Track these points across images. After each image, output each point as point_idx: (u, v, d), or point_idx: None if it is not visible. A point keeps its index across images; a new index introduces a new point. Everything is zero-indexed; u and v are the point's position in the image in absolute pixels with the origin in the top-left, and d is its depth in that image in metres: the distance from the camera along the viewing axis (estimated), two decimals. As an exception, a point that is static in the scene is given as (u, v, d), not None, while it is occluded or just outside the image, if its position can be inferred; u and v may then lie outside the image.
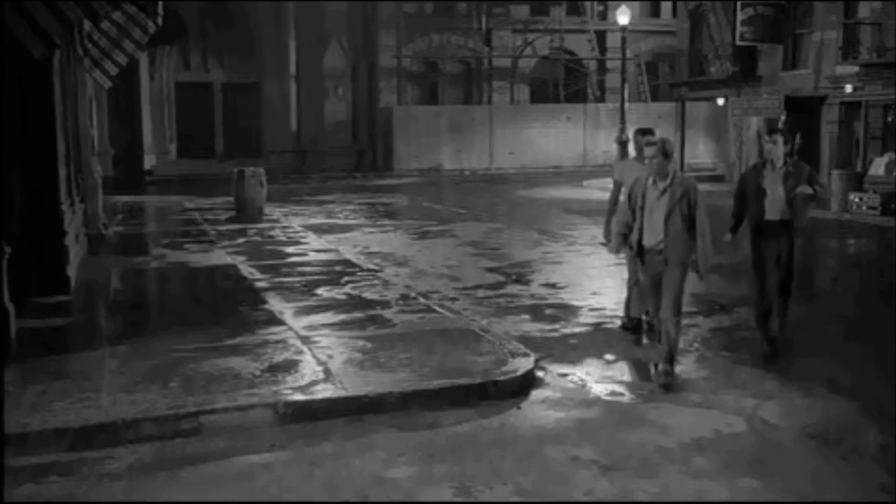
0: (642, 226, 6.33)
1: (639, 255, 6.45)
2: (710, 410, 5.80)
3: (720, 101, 26.43)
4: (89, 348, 7.16)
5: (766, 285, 7.06)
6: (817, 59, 21.78)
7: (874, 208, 17.32)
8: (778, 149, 6.87)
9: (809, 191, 6.85)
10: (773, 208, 6.88)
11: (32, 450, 5.01)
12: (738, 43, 23.65)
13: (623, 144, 25.63)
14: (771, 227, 6.93)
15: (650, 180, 6.29)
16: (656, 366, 6.51)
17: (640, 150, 7.26)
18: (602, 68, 33.77)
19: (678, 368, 6.78)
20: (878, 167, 19.17)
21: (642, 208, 6.31)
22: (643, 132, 7.35)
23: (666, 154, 6.23)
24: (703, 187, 21.71)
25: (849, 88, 20.25)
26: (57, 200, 9.26)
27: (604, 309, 8.79)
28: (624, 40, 26.08)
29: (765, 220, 6.92)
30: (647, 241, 6.31)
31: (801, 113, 21.27)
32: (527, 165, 30.02)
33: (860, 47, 20.22)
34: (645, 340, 7.49)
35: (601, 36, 33.20)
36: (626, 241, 6.53)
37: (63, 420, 5.36)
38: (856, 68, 20.08)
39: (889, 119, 19.99)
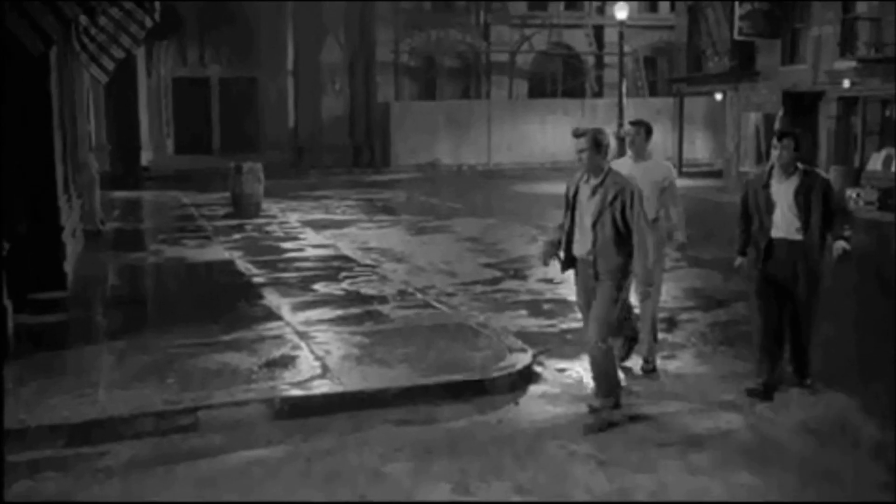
0: (573, 231, 5.50)
1: (570, 265, 5.58)
2: (707, 406, 5.80)
3: (718, 97, 26.42)
4: (86, 344, 7.15)
5: (768, 321, 5.92)
6: (815, 55, 21.77)
7: (872, 203, 17.34)
8: (788, 154, 5.75)
9: (845, 247, 5.79)
10: (783, 225, 5.80)
11: (29, 445, 5.01)
12: (737, 38, 23.62)
13: (621, 140, 25.62)
14: (780, 248, 5.84)
15: (582, 178, 5.45)
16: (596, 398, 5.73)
17: (630, 144, 6.57)
18: (600, 63, 33.73)
19: (675, 364, 6.78)
20: (876, 162, 19.18)
21: (573, 209, 5.48)
22: (634, 124, 6.68)
23: (598, 147, 5.30)
24: (700, 183, 21.62)
25: (847, 84, 20.25)
26: (54, 196, 9.24)
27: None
28: (622, 35, 26.04)
29: (772, 239, 5.87)
30: (578, 250, 5.47)
31: (800, 108, 21.27)
32: (525, 161, 29.99)
33: (858, 43, 20.21)
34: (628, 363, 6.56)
35: (599, 31, 33.15)
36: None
37: (59, 416, 5.35)
38: (854, 63, 20.08)
39: (887, 114, 20.00)
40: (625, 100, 25.99)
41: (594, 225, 5.31)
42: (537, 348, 6.96)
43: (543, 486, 4.59)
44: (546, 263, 5.79)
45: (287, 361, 6.54)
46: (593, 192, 5.34)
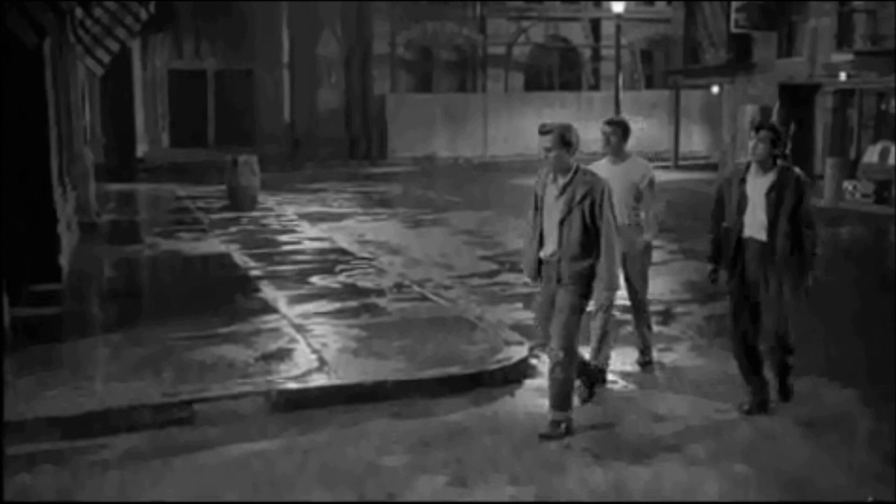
0: (542, 233, 5.19)
1: (538, 272, 5.22)
2: (703, 398, 5.81)
3: (715, 89, 26.41)
4: (82, 337, 7.15)
5: (740, 325, 5.48)
6: (812, 47, 21.75)
7: (867, 196, 17.36)
8: (763, 148, 5.32)
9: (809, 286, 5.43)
10: (756, 223, 5.37)
11: (26, 438, 5.00)
12: (733, 30, 23.60)
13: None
14: (752, 249, 5.39)
15: (549, 177, 5.16)
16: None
17: (605, 144, 6.20)
18: (597, 56, 33.68)
19: (671, 357, 6.79)
20: (872, 155, 19.19)
21: (540, 210, 5.19)
22: (610, 123, 6.26)
23: (566, 144, 5.01)
24: (696, 176, 21.61)
25: (843, 76, 20.25)
26: (49, 188, 9.22)
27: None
28: (618, 28, 25.98)
29: (744, 238, 5.42)
30: (545, 252, 5.16)
31: (796, 101, 21.28)
32: (521, 153, 29.94)
33: (855, 35, 20.22)
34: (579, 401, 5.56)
35: (596, 24, 33.08)
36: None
37: (56, 408, 5.35)
38: (850, 56, 20.07)
39: (883, 107, 20.01)
40: (621, 93, 25.95)
41: (561, 225, 5.04)
42: (533, 341, 6.96)
43: (539, 478, 4.60)
44: (535, 279, 5.32)
45: (284, 354, 6.54)
46: (561, 192, 5.07)
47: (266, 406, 5.62)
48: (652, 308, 8.25)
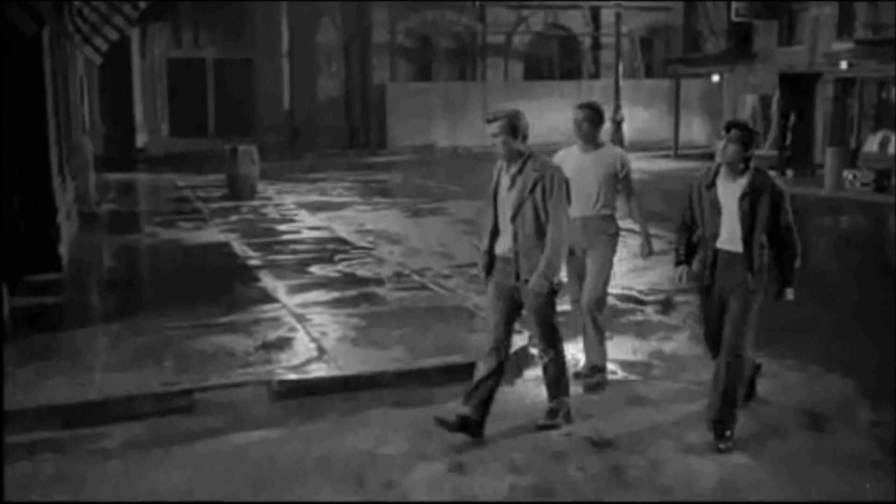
0: (496, 226, 4.91)
1: (489, 267, 4.95)
2: (702, 387, 5.81)
3: (715, 78, 26.34)
4: (82, 326, 7.16)
5: (710, 334, 5.10)
6: (813, 36, 21.70)
7: (867, 185, 17.36)
8: (733, 150, 4.74)
9: (790, 298, 4.92)
10: (728, 234, 4.83)
11: (27, 427, 5.01)
12: (734, 19, 23.53)
13: (619, 123, 25.56)
14: (724, 261, 4.87)
15: (502, 168, 4.90)
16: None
17: (577, 130, 5.78)
18: (597, 45, 33.58)
19: (670, 346, 6.79)
20: (872, 144, 19.17)
21: (496, 202, 4.90)
22: (581, 107, 5.80)
23: (514, 131, 4.75)
24: (696, 165, 21.63)
25: (844, 65, 20.20)
26: (48, 178, 9.20)
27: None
28: (619, 16, 25.93)
29: (717, 250, 4.89)
30: (500, 247, 4.88)
31: (797, 90, 21.23)
32: (521, 143, 29.92)
33: (856, 24, 20.15)
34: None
35: (596, 12, 32.95)
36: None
37: (57, 397, 5.37)
38: (851, 45, 20.02)
39: (883, 96, 19.97)
40: (621, 81, 25.91)
41: (514, 218, 4.76)
42: (533, 331, 6.96)
43: (538, 465, 4.62)
44: (485, 277, 5.04)
45: (283, 344, 6.55)
46: (512, 182, 4.80)
47: (266, 395, 5.63)
48: (651, 298, 8.31)
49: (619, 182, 5.80)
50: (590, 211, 5.70)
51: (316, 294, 8.23)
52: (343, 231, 12.44)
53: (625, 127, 25.67)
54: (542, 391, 5.69)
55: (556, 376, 5.07)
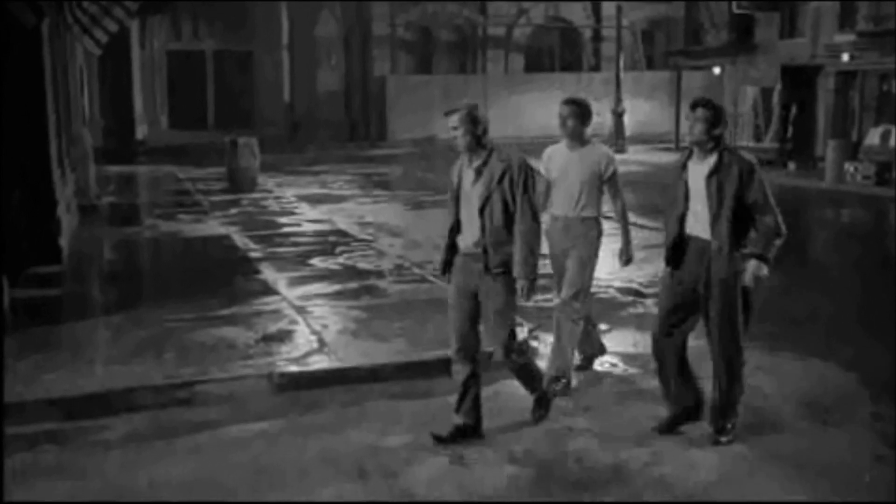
0: (459, 222, 4.76)
1: (447, 264, 4.82)
2: (703, 380, 5.81)
3: (716, 71, 26.28)
4: (83, 318, 7.16)
5: (662, 334, 4.81)
6: (814, 28, 21.63)
7: (869, 178, 17.35)
8: (700, 129, 4.54)
9: (761, 273, 4.53)
10: (697, 218, 4.62)
11: (26, 419, 5.02)
12: (735, 11, 23.46)
13: (620, 116, 25.52)
14: (694, 249, 4.64)
15: (465, 162, 4.74)
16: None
17: (562, 126, 5.54)
18: (597, 37, 33.52)
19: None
20: (873, 137, 19.14)
21: (458, 199, 4.76)
22: (567, 103, 5.57)
23: (474, 123, 4.61)
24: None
25: (845, 57, 20.15)
26: (48, 170, 9.20)
27: (598, 279, 8.80)
28: (619, 9, 25.84)
29: (686, 236, 4.68)
30: (465, 242, 4.72)
31: (798, 82, 21.19)
32: (521, 135, 29.80)
33: (857, 16, 20.08)
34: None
35: (597, 4, 32.89)
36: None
37: (57, 390, 5.37)
38: (853, 37, 19.97)
39: (885, 88, 19.92)
40: (622, 74, 25.85)
41: (482, 211, 4.59)
42: (533, 323, 6.97)
43: (538, 456, 4.62)
44: (444, 274, 4.90)
45: (284, 336, 6.55)
46: (477, 175, 4.63)
47: (267, 387, 5.63)
48: (651, 290, 8.30)
49: (604, 183, 5.53)
50: (571, 212, 5.51)
51: (317, 286, 8.23)
52: (343, 224, 12.44)
53: (626, 119, 25.63)
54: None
55: (524, 367, 4.99)
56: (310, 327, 6.78)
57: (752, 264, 4.52)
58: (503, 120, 30.67)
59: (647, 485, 4.33)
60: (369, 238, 11.18)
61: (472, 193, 4.65)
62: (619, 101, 25.40)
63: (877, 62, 19.26)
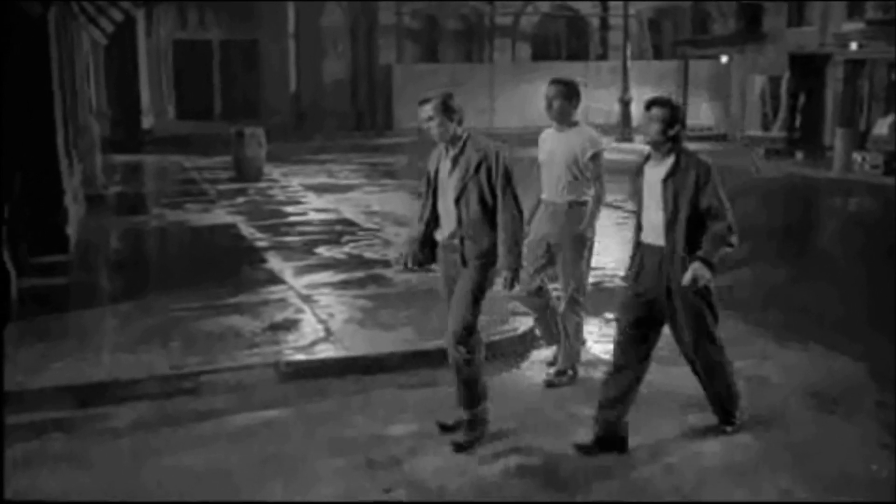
0: (435, 212, 4.67)
1: (432, 259, 4.75)
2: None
3: (724, 59, 26.15)
4: (89, 307, 7.18)
5: (623, 351, 4.51)
6: (823, 16, 21.49)
7: (877, 167, 17.27)
8: (655, 130, 4.30)
9: (703, 276, 4.26)
10: (652, 224, 4.39)
11: (34, 407, 5.04)
12: (743, -1, 23.35)
13: (626, 104, 25.42)
14: (650, 257, 4.40)
15: (441, 152, 4.62)
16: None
17: (547, 108, 5.37)
18: (604, 26, 33.37)
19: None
20: (882, 127, 19.03)
21: (436, 190, 4.64)
22: (553, 83, 5.36)
23: (449, 112, 4.47)
24: (703, 147, 21.42)
25: (854, 46, 20.01)
26: (55, 159, 9.21)
27: (603, 268, 8.78)
28: (627, -3, 25.72)
29: (643, 244, 4.47)
30: (442, 234, 4.65)
31: (806, 71, 21.07)
32: (527, 125, 29.78)
33: (866, 4, 19.94)
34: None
35: (604, -8, 32.77)
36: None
37: (64, 378, 5.39)
38: (861, 25, 19.83)
39: (893, 78, 19.79)
40: (629, 62, 25.75)
41: (458, 202, 4.47)
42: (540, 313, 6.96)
43: (542, 446, 4.63)
44: (408, 266, 4.83)
45: (290, 325, 6.56)
46: (454, 164, 4.51)
47: (273, 376, 5.64)
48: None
49: (583, 166, 5.29)
50: (557, 197, 5.37)
51: (323, 275, 8.24)
52: (350, 213, 12.44)
53: (633, 108, 25.55)
54: (550, 373, 5.70)
55: (469, 377, 4.57)
56: (316, 316, 6.79)
57: (694, 266, 4.25)
58: (510, 109, 30.64)
59: (654, 474, 4.32)
60: (375, 227, 11.18)
61: (449, 184, 4.54)
62: (626, 90, 25.30)
63: (885, 51, 19.12)
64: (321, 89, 31.57)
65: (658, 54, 32.88)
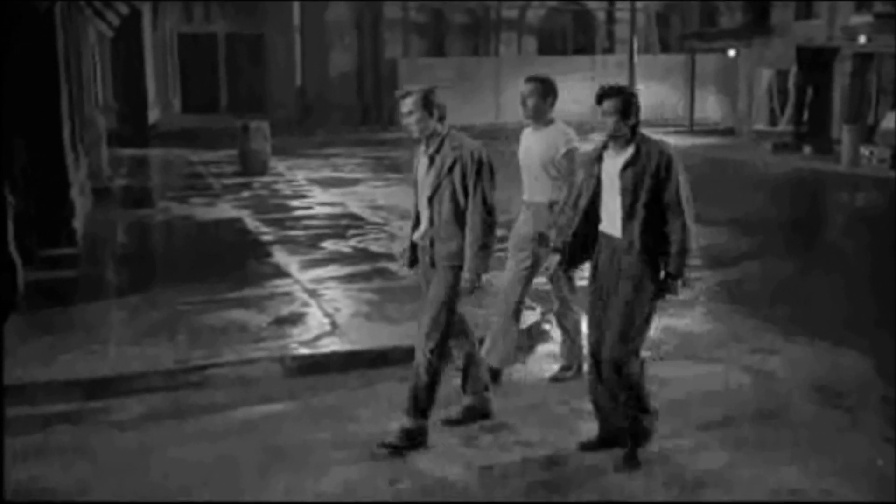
0: (417, 212, 4.56)
1: (410, 258, 4.69)
2: (715, 364, 5.81)
3: (731, 53, 26.04)
4: (96, 300, 7.21)
5: (592, 337, 4.35)
6: (831, 10, 21.37)
7: (884, 161, 17.21)
8: (612, 122, 4.11)
9: (677, 291, 4.16)
10: (610, 215, 4.22)
11: (41, 400, 5.06)
12: (751, -8, 23.23)
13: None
14: (607, 247, 4.24)
15: (421, 149, 4.54)
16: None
17: (522, 105, 5.24)
18: (611, 19, 33.27)
19: (683, 322, 6.76)
20: (890, 121, 18.94)
21: (417, 188, 4.55)
22: (528, 81, 5.22)
23: (429, 107, 4.34)
24: (710, 141, 21.37)
25: (862, 39, 19.90)
26: (61, 153, 9.23)
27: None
28: (633, -10, 25.61)
29: (600, 234, 4.30)
30: (417, 233, 4.57)
31: (814, 65, 20.97)
32: (534, 119, 29.75)
33: (875, -3, 19.84)
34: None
35: (610, -14, 32.65)
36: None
37: (71, 371, 5.42)
38: (869, 19, 19.71)
39: (901, 71, 19.70)
40: (636, 56, 25.65)
41: (431, 200, 4.37)
42: (546, 307, 6.96)
43: (546, 439, 4.63)
44: (410, 265, 4.77)
45: (296, 319, 6.57)
46: (430, 162, 4.40)
47: (279, 370, 5.66)
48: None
49: (560, 164, 5.13)
50: (536, 196, 5.28)
51: (328, 269, 8.25)
52: (355, 207, 12.44)
53: (640, 102, 25.51)
54: (553, 366, 5.70)
55: (428, 383, 4.42)
56: (322, 310, 6.79)
57: (672, 285, 4.13)
58: (516, 103, 30.59)
59: (655, 472, 4.32)
60: (381, 221, 11.18)
61: (425, 182, 4.43)
62: (632, 84, 25.21)
63: (894, 45, 19.01)
64: (327, 83, 31.54)
65: (665, 48, 32.77)
